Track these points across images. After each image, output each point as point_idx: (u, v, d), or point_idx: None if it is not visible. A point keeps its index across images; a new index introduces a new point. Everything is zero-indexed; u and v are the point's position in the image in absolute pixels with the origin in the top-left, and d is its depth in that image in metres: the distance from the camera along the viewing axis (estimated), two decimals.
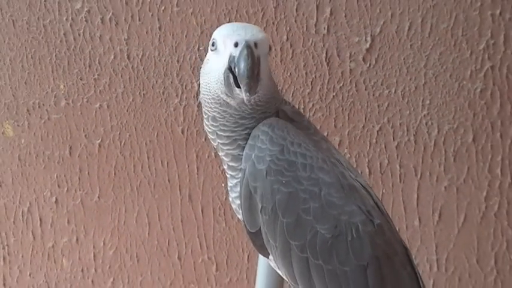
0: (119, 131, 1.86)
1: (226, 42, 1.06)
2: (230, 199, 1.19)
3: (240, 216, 1.17)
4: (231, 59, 1.05)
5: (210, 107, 1.13)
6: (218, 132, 1.13)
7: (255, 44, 1.05)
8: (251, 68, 1.03)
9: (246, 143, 1.10)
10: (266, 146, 1.07)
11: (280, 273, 1.17)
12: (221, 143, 1.14)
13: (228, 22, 1.77)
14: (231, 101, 1.09)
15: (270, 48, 1.11)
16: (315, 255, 1.04)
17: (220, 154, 1.17)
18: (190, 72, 1.82)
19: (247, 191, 1.08)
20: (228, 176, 1.18)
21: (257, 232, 1.10)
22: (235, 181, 1.15)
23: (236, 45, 1.05)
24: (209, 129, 1.15)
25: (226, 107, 1.10)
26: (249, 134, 1.11)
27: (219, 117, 1.12)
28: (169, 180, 1.88)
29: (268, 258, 1.15)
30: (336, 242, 1.04)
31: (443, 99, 1.82)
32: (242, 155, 1.10)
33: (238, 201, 1.14)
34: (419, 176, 1.86)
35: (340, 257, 1.04)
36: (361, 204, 1.07)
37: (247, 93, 1.04)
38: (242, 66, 1.03)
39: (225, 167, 1.18)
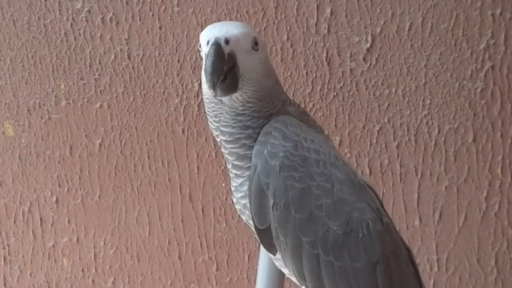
0: (120, 131, 1.86)
1: (203, 42, 1.07)
2: (234, 200, 1.18)
3: (244, 217, 1.16)
4: (205, 57, 1.06)
5: (208, 106, 1.13)
6: (221, 128, 1.13)
7: (227, 40, 1.04)
8: (212, 64, 1.02)
9: (251, 142, 1.10)
10: (279, 142, 1.06)
11: (285, 272, 1.17)
12: (224, 140, 1.13)
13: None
14: (216, 98, 1.09)
15: (265, 45, 1.09)
16: (326, 252, 1.04)
17: (224, 152, 1.16)
18: (191, 72, 1.82)
19: (259, 187, 1.07)
20: (231, 175, 1.17)
21: (266, 229, 1.09)
22: (240, 180, 1.14)
23: (208, 43, 1.05)
24: (212, 126, 1.15)
25: (220, 104, 1.10)
26: (253, 133, 1.10)
27: (218, 114, 1.12)
28: (169, 180, 1.88)
29: (275, 256, 1.15)
30: (347, 238, 1.03)
31: (443, 99, 1.82)
32: (248, 153, 1.10)
33: (243, 201, 1.13)
34: (419, 176, 1.86)
35: (351, 253, 1.03)
36: (371, 202, 1.07)
37: (211, 90, 1.04)
38: (205, 63, 1.04)
39: (229, 166, 1.16)
